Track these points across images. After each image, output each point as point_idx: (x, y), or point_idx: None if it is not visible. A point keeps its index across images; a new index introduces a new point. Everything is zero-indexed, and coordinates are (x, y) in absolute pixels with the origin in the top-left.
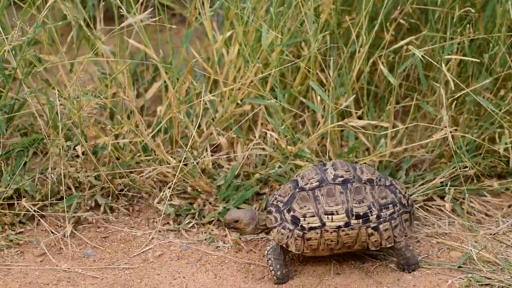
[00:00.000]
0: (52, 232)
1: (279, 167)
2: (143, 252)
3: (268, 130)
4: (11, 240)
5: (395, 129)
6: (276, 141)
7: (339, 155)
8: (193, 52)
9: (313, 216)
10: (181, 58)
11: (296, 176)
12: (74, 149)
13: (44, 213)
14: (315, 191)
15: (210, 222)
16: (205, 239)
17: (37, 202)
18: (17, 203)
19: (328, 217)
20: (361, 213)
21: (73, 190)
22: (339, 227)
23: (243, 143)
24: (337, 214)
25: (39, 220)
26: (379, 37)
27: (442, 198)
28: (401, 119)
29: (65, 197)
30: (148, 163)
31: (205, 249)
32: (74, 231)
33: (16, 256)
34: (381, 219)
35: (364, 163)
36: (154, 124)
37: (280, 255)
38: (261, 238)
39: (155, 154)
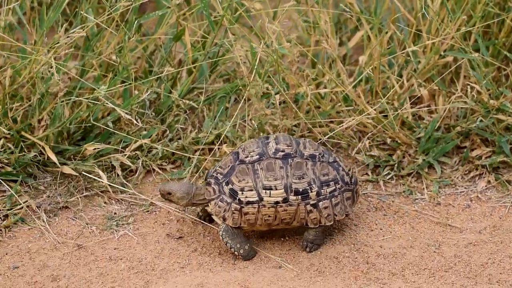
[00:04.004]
0: None
1: (481, 121)
2: None
3: (471, 83)
4: None
5: None
6: (478, 94)
7: None
8: (396, 1)
9: (251, 190)
10: (385, 7)
11: (238, 148)
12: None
13: None
14: (254, 165)
15: (409, 174)
16: (403, 191)
17: None
18: (218, 148)
19: (266, 192)
20: (301, 190)
21: None
22: (277, 202)
23: (445, 95)
24: (276, 189)
25: None
26: None
27: None
28: None
29: None
30: (348, 113)
31: (403, 201)
32: None
33: None
34: (321, 196)
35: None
36: (356, 73)
37: (235, 234)
38: (460, 192)
39: (355, 104)
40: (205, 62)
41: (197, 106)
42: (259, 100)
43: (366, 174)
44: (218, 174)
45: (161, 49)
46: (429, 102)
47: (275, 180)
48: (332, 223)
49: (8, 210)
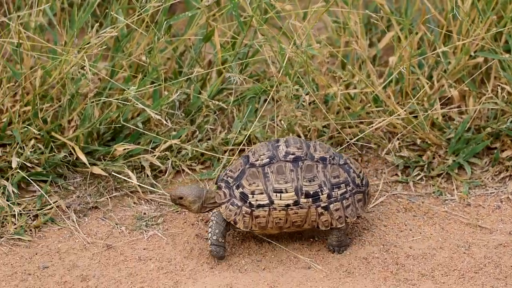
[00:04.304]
0: None
1: (511, 122)
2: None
3: (501, 83)
4: None
5: None
6: (508, 95)
7: None
8: (426, 2)
9: (262, 193)
10: (415, 8)
11: (248, 151)
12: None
13: None
14: (265, 168)
15: (439, 175)
16: (433, 192)
17: None
18: (247, 149)
19: (276, 195)
20: (311, 192)
21: (302, 137)
22: (287, 205)
23: (475, 96)
24: (286, 192)
25: None
26: None
27: None
28: None
29: None
30: (378, 114)
31: (432, 202)
32: None
33: None
34: (332, 199)
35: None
36: (386, 74)
37: (224, 223)
38: (490, 193)
39: (385, 105)
40: (235, 63)
41: (226, 107)
42: (289, 102)
43: (396, 175)
44: (229, 178)
45: (190, 50)
46: (459, 103)
47: (286, 183)
48: (343, 225)
49: (38, 210)
